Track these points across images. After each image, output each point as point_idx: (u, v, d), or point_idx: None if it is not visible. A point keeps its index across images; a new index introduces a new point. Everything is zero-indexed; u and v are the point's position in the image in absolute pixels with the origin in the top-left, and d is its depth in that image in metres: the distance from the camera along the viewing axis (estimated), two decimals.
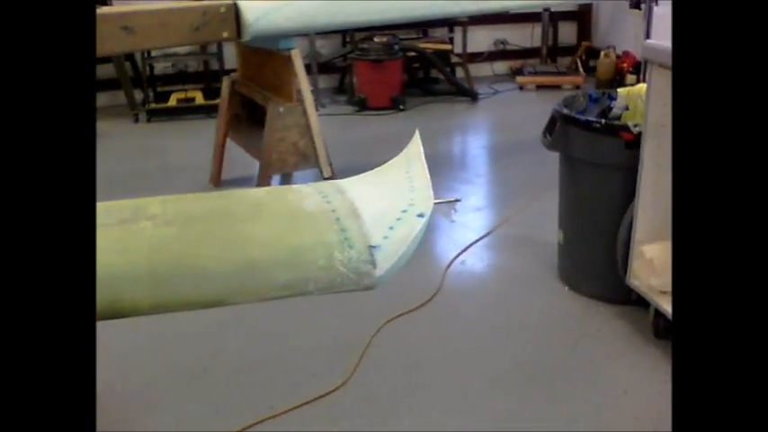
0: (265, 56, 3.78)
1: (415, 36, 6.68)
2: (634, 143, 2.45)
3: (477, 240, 3.40)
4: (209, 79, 6.42)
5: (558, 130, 2.70)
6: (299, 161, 3.68)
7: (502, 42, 7.19)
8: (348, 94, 6.30)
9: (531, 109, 5.78)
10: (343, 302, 2.66)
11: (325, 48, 6.60)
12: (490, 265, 3.24)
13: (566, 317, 2.70)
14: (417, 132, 1.75)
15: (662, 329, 2.47)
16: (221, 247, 1.26)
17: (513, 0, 4.34)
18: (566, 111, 2.72)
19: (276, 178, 3.84)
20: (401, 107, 5.93)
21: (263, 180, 3.66)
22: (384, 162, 1.73)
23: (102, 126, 5.55)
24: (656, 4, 5.04)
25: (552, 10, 6.89)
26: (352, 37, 6.32)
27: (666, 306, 2.34)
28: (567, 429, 2.11)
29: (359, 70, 6.03)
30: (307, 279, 1.22)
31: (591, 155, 2.63)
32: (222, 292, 1.21)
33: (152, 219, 1.30)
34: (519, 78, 6.69)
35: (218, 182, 4.25)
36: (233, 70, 4.51)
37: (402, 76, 6.11)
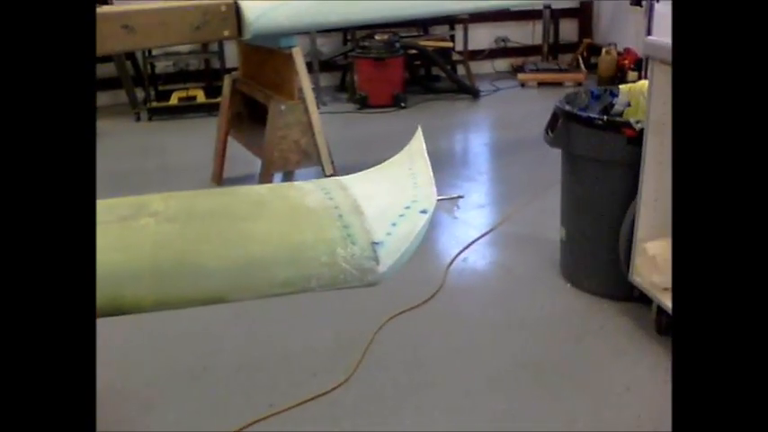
0: (266, 54, 3.78)
1: (416, 34, 6.68)
2: (636, 140, 2.44)
3: (479, 237, 3.39)
4: (210, 78, 6.43)
5: (560, 126, 2.70)
6: (301, 159, 3.68)
7: (503, 40, 7.18)
8: (349, 91, 6.30)
9: (532, 106, 5.78)
10: (345, 300, 2.67)
11: (327, 46, 6.60)
12: (492, 262, 3.24)
13: (568, 314, 2.70)
14: (420, 129, 1.75)
15: (664, 326, 2.46)
16: (223, 243, 1.25)
17: None
18: (567, 108, 2.71)
19: (278, 176, 3.84)
20: (402, 105, 5.93)
21: (265, 178, 3.66)
22: (386, 160, 1.73)
23: (104, 125, 5.55)
24: (657, 1, 5.03)
25: (553, 7, 6.88)
26: (353, 35, 6.32)
27: (669, 303, 2.34)
28: (570, 426, 2.11)
29: (360, 68, 6.02)
30: (309, 276, 1.21)
31: (593, 152, 2.63)
32: (224, 289, 1.21)
33: (154, 216, 1.29)
34: (520, 75, 6.69)
35: (219, 180, 4.25)
36: (234, 69, 4.51)
37: (403, 73, 6.10)
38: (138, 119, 5.86)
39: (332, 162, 3.69)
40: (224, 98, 4.22)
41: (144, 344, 2.58)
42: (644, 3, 5.65)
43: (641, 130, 2.41)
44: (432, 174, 1.53)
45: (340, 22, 4.39)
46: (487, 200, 3.99)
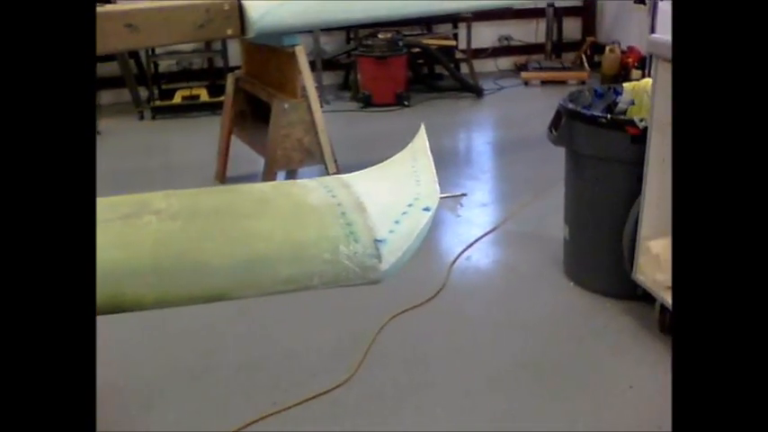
0: (269, 53, 3.78)
1: (419, 32, 6.67)
2: (640, 138, 2.43)
3: (482, 236, 3.39)
4: (213, 76, 6.43)
5: (564, 125, 2.69)
6: (304, 158, 3.68)
7: (506, 38, 7.17)
8: (352, 90, 6.29)
9: (535, 104, 5.78)
10: (348, 298, 2.66)
11: (330, 44, 6.59)
12: (495, 260, 3.23)
13: (571, 313, 2.70)
14: (423, 127, 1.74)
15: (668, 325, 2.46)
16: (226, 241, 1.25)
17: None
18: (571, 106, 2.71)
19: (281, 175, 3.84)
20: (406, 103, 5.92)
21: (269, 177, 3.66)
22: (389, 158, 1.73)
23: (107, 123, 5.56)
24: None
25: (557, 5, 6.87)
26: (357, 33, 6.32)
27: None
28: (571, 426, 2.11)
29: (363, 67, 6.02)
30: (312, 273, 1.21)
31: (596, 150, 2.62)
32: (226, 287, 1.20)
33: (156, 213, 1.29)
34: (524, 74, 6.68)
35: (223, 178, 4.25)
36: (237, 67, 4.51)
37: (406, 72, 6.09)
38: (142, 117, 5.86)
39: (335, 161, 3.69)
40: (227, 97, 4.22)
41: (145, 342, 2.58)
42: (647, 1, 5.64)
43: (645, 129, 2.40)
44: (435, 171, 1.52)
45: (343, 21, 4.39)
46: (491, 198, 3.98)
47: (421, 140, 1.69)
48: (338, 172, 3.60)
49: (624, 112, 2.76)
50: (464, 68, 6.64)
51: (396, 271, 1.26)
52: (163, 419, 2.18)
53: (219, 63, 6.29)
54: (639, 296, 2.59)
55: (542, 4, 6.76)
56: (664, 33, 2.31)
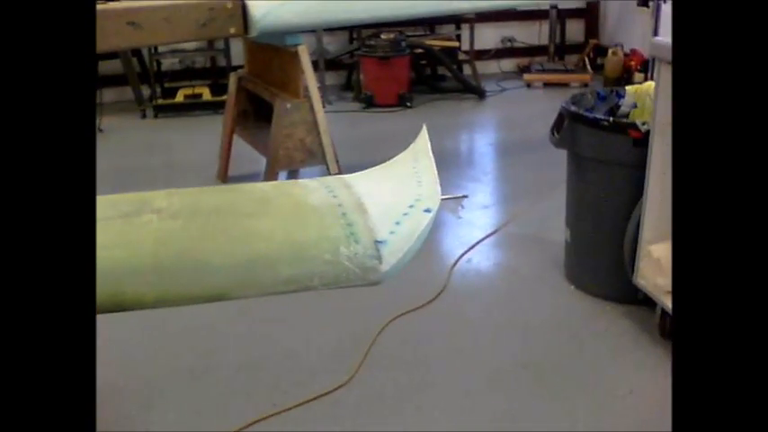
0: (272, 52, 3.78)
1: (422, 33, 6.67)
2: (642, 141, 2.43)
3: (483, 238, 3.38)
4: (216, 75, 6.43)
5: (566, 127, 2.68)
6: (306, 158, 3.68)
7: (509, 40, 7.17)
8: (355, 91, 6.29)
9: (538, 106, 5.77)
10: (349, 299, 2.66)
11: (332, 44, 6.59)
12: (496, 263, 3.23)
13: (572, 316, 2.69)
14: (425, 128, 1.74)
15: (668, 329, 2.45)
16: (226, 240, 1.25)
17: None
18: (573, 108, 2.70)
19: (283, 175, 3.84)
20: (408, 104, 5.92)
21: (270, 176, 3.66)
22: (391, 159, 1.72)
23: (110, 121, 5.56)
24: (664, 2, 5.01)
25: (560, 7, 6.87)
26: (359, 34, 6.32)
27: None
28: (572, 428, 2.10)
29: (366, 67, 6.02)
30: (312, 274, 1.21)
31: (599, 153, 2.62)
32: (226, 286, 1.20)
33: (157, 212, 1.29)
34: (526, 76, 6.68)
35: (224, 178, 4.25)
36: (240, 66, 4.51)
37: (409, 73, 6.09)
38: (144, 116, 5.86)
39: (337, 161, 3.69)
40: (230, 96, 4.22)
41: (145, 341, 2.57)
42: (651, 3, 5.64)
43: (647, 132, 2.40)
44: (436, 173, 1.52)
45: (346, 21, 4.39)
46: (492, 200, 3.98)
47: (423, 141, 1.69)
48: (340, 172, 3.60)
49: (627, 116, 2.76)
50: (467, 70, 6.64)
51: (396, 272, 1.25)
52: (163, 419, 2.18)
53: (222, 62, 6.29)
54: (640, 300, 2.59)
55: (545, 6, 6.76)
56: (667, 36, 2.31)
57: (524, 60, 7.10)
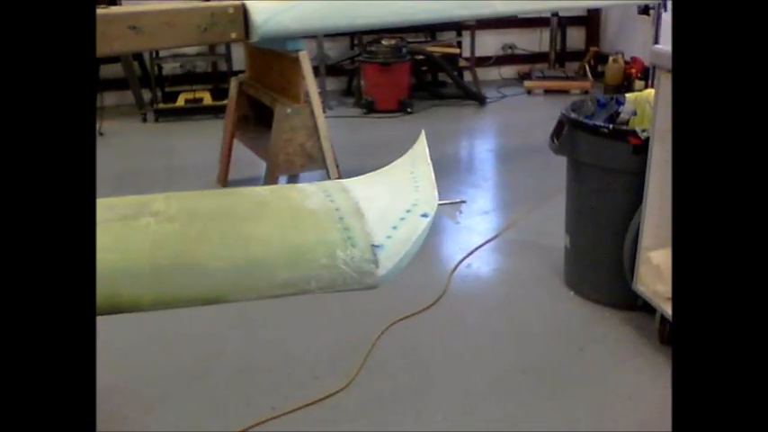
0: (273, 57, 3.79)
1: (423, 39, 6.68)
2: (642, 148, 2.43)
3: (483, 244, 3.38)
4: (217, 80, 6.44)
5: (566, 134, 2.69)
6: (306, 163, 3.68)
7: (510, 47, 7.18)
8: (356, 96, 6.30)
9: (538, 113, 5.78)
10: (349, 304, 2.67)
11: (333, 50, 6.60)
12: (496, 268, 3.23)
13: (571, 322, 2.69)
14: (423, 133, 1.74)
15: (668, 336, 2.45)
16: (223, 244, 1.25)
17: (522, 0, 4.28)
18: (573, 115, 2.71)
19: (283, 180, 3.84)
20: (409, 110, 5.93)
21: (270, 181, 3.66)
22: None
23: (110, 125, 5.57)
24: (665, 10, 5.03)
25: (561, 15, 6.89)
26: (360, 39, 6.33)
27: None
28: None
29: (366, 73, 6.03)
30: (308, 277, 1.21)
31: (598, 159, 2.62)
32: (223, 289, 1.20)
33: (155, 215, 1.29)
34: (527, 83, 6.69)
35: (225, 182, 4.25)
36: (241, 71, 4.52)
37: (410, 79, 6.10)
38: (145, 120, 5.87)
39: (337, 166, 3.69)
40: (230, 100, 4.23)
41: (145, 344, 2.57)
42: (651, 12, 5.65)
43: (647, 139, 2.40)
44: (434, 178, 1.52)
45: (347, 27, 4.40)
46: (492, 206, 3.98)
47: (421, 147, 1.69)
48: (340, 177, 3.60)
49: (626, 123, 2.76)
50: (467, 76, 6.65)
51: (393, 276, 1.26)
52: (162, 422, 2.17)
53: (223, 67, 6.30)
54: (640, 306, 2.59)
55: (546, 14, 6.77)
56: (667, 44, 2.31)
57: (525, 67, 7.11)
